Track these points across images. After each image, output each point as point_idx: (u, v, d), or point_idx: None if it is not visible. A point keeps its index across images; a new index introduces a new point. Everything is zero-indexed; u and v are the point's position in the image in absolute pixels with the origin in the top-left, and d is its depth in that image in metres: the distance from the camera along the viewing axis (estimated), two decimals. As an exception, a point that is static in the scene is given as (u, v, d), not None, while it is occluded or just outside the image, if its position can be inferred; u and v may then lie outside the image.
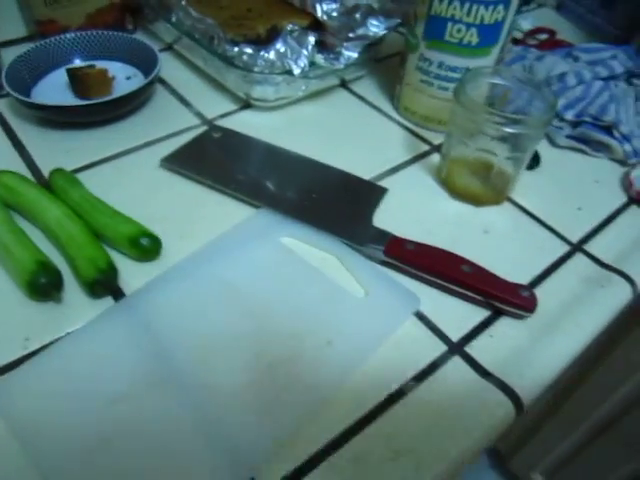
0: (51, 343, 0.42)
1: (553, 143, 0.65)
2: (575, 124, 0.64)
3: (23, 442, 0.36)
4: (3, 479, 0.35)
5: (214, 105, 0.66)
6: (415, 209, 0.55)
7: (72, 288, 0.45)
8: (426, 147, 0.63)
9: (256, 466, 0.36)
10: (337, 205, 0.54)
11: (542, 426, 1.08)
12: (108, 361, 0.40)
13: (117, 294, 0.45)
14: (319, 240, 0.50)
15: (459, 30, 0.56)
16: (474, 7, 0.54)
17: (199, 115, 0.64)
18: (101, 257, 0.44)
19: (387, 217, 0.53)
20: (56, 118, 0.60)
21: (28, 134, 0.60)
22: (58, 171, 0.52)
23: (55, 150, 0.58)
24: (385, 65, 0.75)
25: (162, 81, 0.68)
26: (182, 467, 0.35)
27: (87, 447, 0.36)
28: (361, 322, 0.44)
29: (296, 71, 0.60)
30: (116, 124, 0.62)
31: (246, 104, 0.66)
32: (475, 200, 0.56)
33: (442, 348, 0.44)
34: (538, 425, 1.09)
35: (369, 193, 0.56)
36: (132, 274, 0.46)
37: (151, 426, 0.37)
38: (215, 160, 0.57)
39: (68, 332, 0.42)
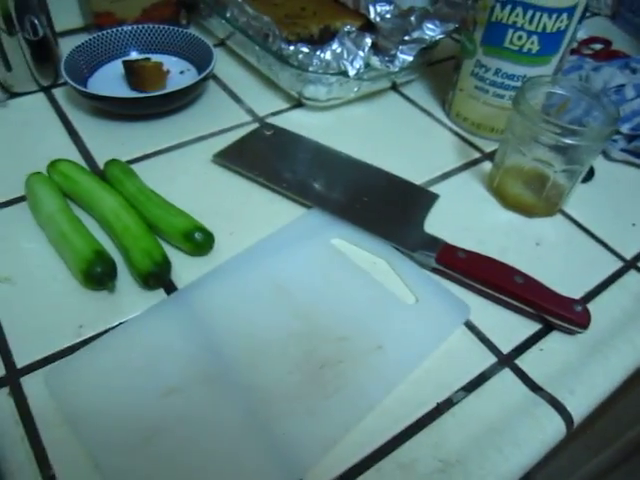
0: (104, 332, 0.42)
1: (607, 156, 0.64)
2: (631, 138, 0.63)
3: (74, 427, 0.37)
4: (53, 461, 0.36)
5: (265, 103, 0.66)
6: (466, 217, 0.54)
7: (125, 278, 0.46)
8: (477, 154, 0.62)
9: (305, 468, 0.36)
10: (388, 209, 0.53)
11: (571, 443, 1.06)
12: (160, 353, 0.41)
13: (169, 287, 0.46)
14: (369, 243, 0.50)
15: (520, 37, 0.55)
16: (537, 15, 0.53)
17: (250, 112, 0.64)
18: (156, 249, 0.45)
19: (438, 224, 0.52)
20: (111, 109, 0.61)
21: (84, 124, 0.61)
22: (113, 162, 0.53)
23: (110, 141, 0.59)
24: (437, 69, 0.74)
25: (214, 76, 0.69)
26: (231, 464, 0.36)
27: (138, 438, 0.36)
28: (412, 329, 0.44)
29: (351, 72, 0.59)
30: (169, 118, 0.62)
31: (298, 103, 0.66)
32: (527, 211, 0.55)
33: (492, 359, 0.43)
34: (566, 441, 1.07)
35: (420, 198, 0.55)
36: (184, 268, 0.47)
37: (202, 421, 0.37)
38: (267, 157, 0.57)
39: (121, 322, 0.43)
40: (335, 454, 0.37)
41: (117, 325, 0.43)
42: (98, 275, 0.43)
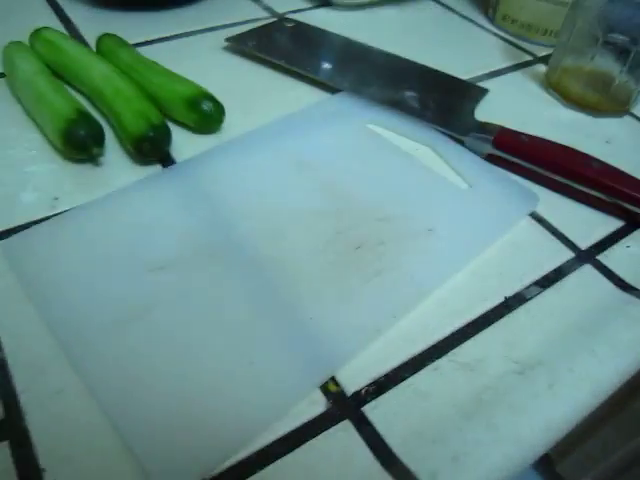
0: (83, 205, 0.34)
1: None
2: None
3: (36, 303, 0.28)
4: (13, 339, 0.27)
5: (286, 1, 0.58)
6: (522, 113, 0.46)
7: (114, 152, 0.37)
8: (528, 57, 0.54)
9: (338, 362, 0.27)
10: (432, 97, 0.45)
11: (600, 427, 0.97)
12: (152, 226, 0.32)
13: (167, 162, 0.37)
14: (411, 129, 0.41)
15: None
16: None
17: (268, 9, 0.56)
18: (153, 112, 0.36)
19: (489, 118, 0.43)
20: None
21: (79, 12, 0.53)
22: (107, 35, 0.44)
23: (108, 27, 0.50)
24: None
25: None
26: (241, 350, 0.27)
27: (119, 316, 0.27)
28: (468, 213, 0.35)
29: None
30: (177, 10, 0.54)
31: (322, 1, 0.58)
32: (593, 109, 0.47)
33: (568, 254, 0.35)
34: (595, 426, 0.97)
35: (467, 91, 0.47)
36: (187, 145, 0.38)
37: (203, 299, 0.29)
38: (287, 45, 0.49)
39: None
40: (377, 349, 0.28)
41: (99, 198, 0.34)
42: (81, 137, 0.34)
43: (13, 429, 0.24)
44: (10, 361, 0.26)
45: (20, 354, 0.27)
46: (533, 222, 0.36)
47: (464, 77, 0.49)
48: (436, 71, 0.48)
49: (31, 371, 0.26)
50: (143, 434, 0.23)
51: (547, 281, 0.33)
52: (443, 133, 0.41)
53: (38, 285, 0.29)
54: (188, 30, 0.51)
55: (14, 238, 0.31)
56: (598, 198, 0.37)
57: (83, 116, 0.35)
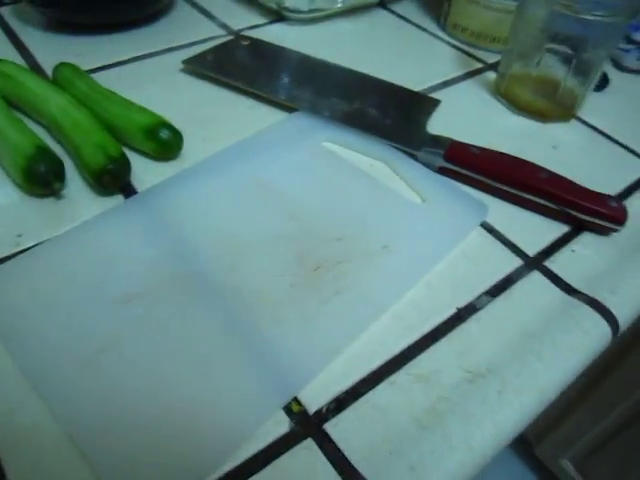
0: (48, 241, 0.34)
1: (621, 67, 0.58)
2: (645, 46, 0.57)
3: (6, 344, 0.29)
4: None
5: (240, 17, 0.59)
6: (472, 122, 0.48)
7: (75, 184, 0.38)
8: (479, 65, 0.56)
9: (299, 383, 0.29)
10: (384, 112, 0.46)
11: (574, 409, 1.00)
12: (117, 259, 0.33)
13: (128, 192, 0.38)
14: (365, 145, 0.43)
15: None
16: None
17: (224, 27, 0.57)
18: (111, 144, 0.37)
19: (441, 129, 0.45)
20: (62, 16, 0.53)
21: (34, 38, 0.53)
22: (64, 64, 0.45)
23: (64, 52, 0.50)
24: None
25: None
26: (206, 374, 0.28)
27: (88, 349, 0.28)
28: (421, 228, 0.37)
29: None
30: (132, 31, 0.55)
31: (277, 17, 0.59)
32: (540, 114, 0.49)
33: (517, 262, 0.37)
34: (569, 408, 1.01)
35: (419, 103, 0.48)
36: (146, 173, 0.39)
37: (169, 328, 0.30)
38: (244, 64, 0.50)
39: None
40: (337, 367, 0.30)
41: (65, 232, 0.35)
42: (41, 173, 0.35)
43: (-11, 469, 0.25)
44: (-17, 401, 0.27)
45: (-8, 394, 0.27)
46: (484, 232, 0.38)
47: (418, 88, 0.51)
48: (390, 84, 0.50)
49: (3, 408, 0.27)
50: (114, 464, 0.25)
51: (497, 290, 0.35)
52: (397, 148, 0.42)
53: (6, 321, 0.30)
54: (144, 52, 0.52)
55: (-20, 277, 0.32)
56: (545, 206, 0.39)
57: (43, 151, 0.36)
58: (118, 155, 0.36)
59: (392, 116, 0.46)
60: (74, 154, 0.38)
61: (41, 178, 0.35)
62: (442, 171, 0.41)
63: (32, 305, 0.30)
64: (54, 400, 0.27)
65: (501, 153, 0.41)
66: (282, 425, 0.28)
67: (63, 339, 0.29)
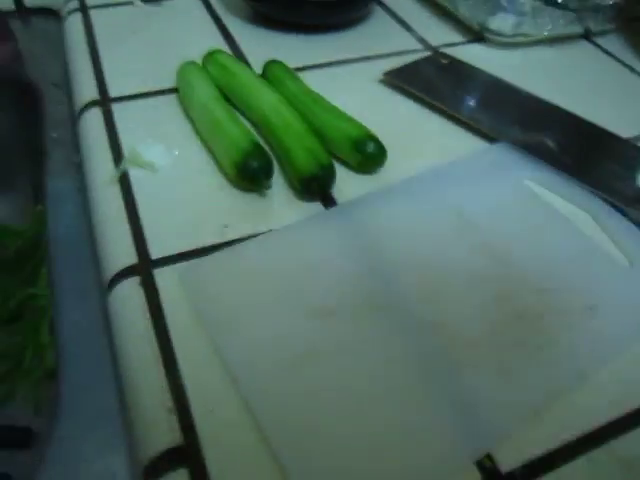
0: (250, 237, 0.35)
1: None
2: None
3: (212, 336, 0.30)
4: (183, 368, 0.29)
5: (438, 33, 0.58)
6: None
7: (278, 185, 0.39)
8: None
9: (495, 436, 0.27)
10: (590, 156, 0.44)
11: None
12: (316, 268, 0.33)
13: (328, 201, 0.38)
14: (569, 191, 0.40)
15: None
16: None
17: (422, 41, 0.56)
18: (322, 151, 0.37)
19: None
20: (269, 12, 0.54)
21: (240, 30, 0.55)
22: (275, 62, 0.46)
23: (267, 48, 0.52)
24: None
25: (379, 2, 0.61)
26: (397, 409, 0.28)
27: (283, 360, 0.29)
28: (629, 294, 0.34)
29: (559, -4, 0.50)
30: (331, 34, 0.56)
31: (476, 37, 0.57)
32: None
33: None
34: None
35: (627, 152, 0.45)
36: (346, 184, 0.39)
37: (364, 354, 0.29)
38: (444, 84, 0.49)
39: (270, 229, 0.36)
40: (533, 428, 0.28)
41: (266, 232, 0.36)
42: (254, 170, 0.36)
43: (192, 457, 0.26)
44: (188, 386, 0.28)
45: (196, 382, 0.28)
46: (698, 310, 0.35)
47: (623, 134, 0.47)
48: (594, 126, 0.47)
49: (207, 403, 0.28)
50: (302, 468, 0.25)
51: None
52: (603, 199, 0.40)
53: (210, 315, 0.31)
54: (341, 58, 0.52)
55: (189, 265, 0.33)
56: None
57: (257, 148, 0.37)
58: (328, 163, 0.37)
59: (597, 163, 0.43)
60: (282, 155, 0.38)
61: (253, 175, 0.36)
62: (653, 233, 0.38)
63: (237, 301, 0.31)
64: (253, 398, 0.27)
65: None
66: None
67: (265, 340, 0.30)
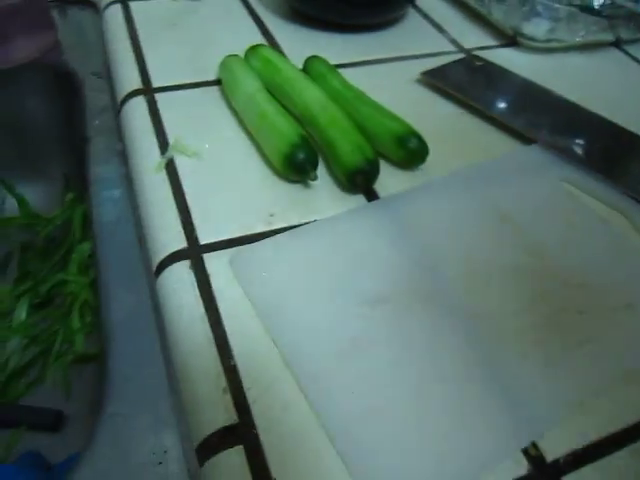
0: (296, 226, 0.36)
1: None
2: None
3: (263, 319, 0.31)
4: (235, 350, 0.30)
5: (471, 36, 0.59)
6: None
7: (321, 177, 0.40)
8: None
9: (542, 427, 0.28)
10: (622, 160, 0.44)
11: None
12: (365, 258, 0.34)
13: (370, 194, 0.39)
14: (605, 194, 0.41)
15: None
16: None
17: (455, 43, 0.57)
18: (367, 146, 0.38)
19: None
20: (307, 10, 0.55)
21: (278, 27, 0.56)
22: (316, 57, 0.47)
23: (305, 45, 0.53)
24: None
25: (413, 4, 0.62)
26: (448, 393, 0.28)
27: (334, 347, 0.30)
28: (667, 294, 0.35)
29: (596, 3, 0.50)
30: (366, 35, 0.56)
31: (509, 41, 0.58)
32: None
33: None
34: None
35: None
36: (388, 179, 0.40)
37: (415, 342, 0.30)
38: (479, 86, 0.50)
39: (316, 219, 0.37)
40: (578, 420, 0.29)
41: (312, 222, 0.36)
42: (301, 161, 0.37)
43: (246, 436, 0.27)
44: (240, 367, 0.29)
45: (249, 363, 0.29)
46: None
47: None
48: (625, 130, 0.47)
49: (259, 383, 0.28)
50: (355, 450, 0.26)
51: None
52: (635, 200, 0.40)
53: (261, 299, 0.32)
54: (376, 57, 0.53)
55: (238, 251, 0.34)
56: None
57: (304, 141, 0.38)
58: (373, 157, 0.37)
59: (630, 165, 0.44)
60: (327, 149, 0.39)
61: (300, 166, 0.37)
62: (688, 236, 0.39)
63: (287, 286, 0.32)
64: (304, 380, 0.28)
65: None
66: (520, 466, 0.27)
67: (315, 324, 0.30)
